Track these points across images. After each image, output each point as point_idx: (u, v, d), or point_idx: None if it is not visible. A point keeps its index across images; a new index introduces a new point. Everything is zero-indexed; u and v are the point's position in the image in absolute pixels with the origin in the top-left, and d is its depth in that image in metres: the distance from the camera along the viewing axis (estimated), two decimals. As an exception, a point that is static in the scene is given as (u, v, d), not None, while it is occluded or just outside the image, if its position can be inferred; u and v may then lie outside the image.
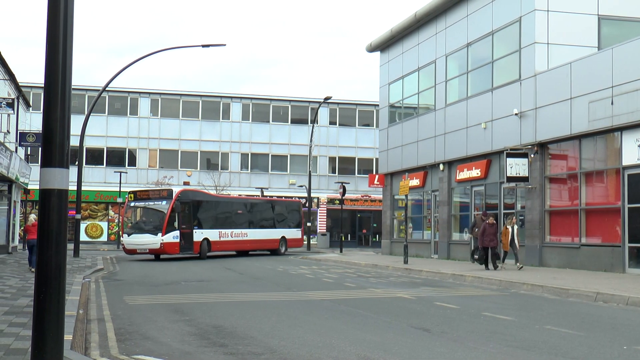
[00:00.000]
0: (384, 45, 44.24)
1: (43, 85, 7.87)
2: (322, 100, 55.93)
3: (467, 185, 35.10)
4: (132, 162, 63.28)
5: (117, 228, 59.80)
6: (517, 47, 30.47)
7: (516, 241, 26.53)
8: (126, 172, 59.36)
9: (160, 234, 36.83)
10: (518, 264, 26.35)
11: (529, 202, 29.54)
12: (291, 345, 10.86)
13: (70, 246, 34.14)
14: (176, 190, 38.74)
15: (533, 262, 28.55)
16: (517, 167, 29.13)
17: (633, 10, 29.72)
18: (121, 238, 37.03)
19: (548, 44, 29.20)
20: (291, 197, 65.60)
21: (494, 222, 26.85)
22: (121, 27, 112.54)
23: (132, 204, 39.08)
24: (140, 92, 63.67)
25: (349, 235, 66.04)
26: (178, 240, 37.45)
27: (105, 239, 61.60)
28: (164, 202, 37.46)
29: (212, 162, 64.81)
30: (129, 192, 39.61)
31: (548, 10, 29.24)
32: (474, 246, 30.24)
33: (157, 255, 38.38)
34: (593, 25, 29.42)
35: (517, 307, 16.00)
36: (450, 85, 36.70)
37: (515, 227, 26.81)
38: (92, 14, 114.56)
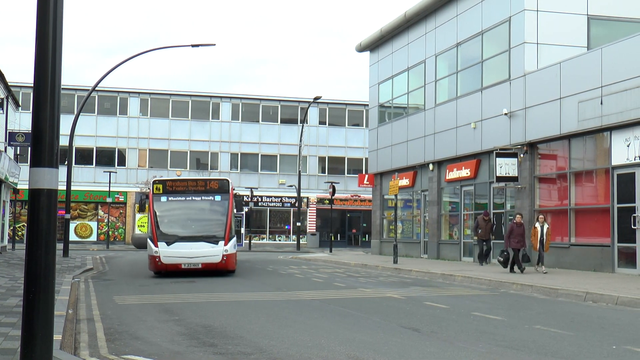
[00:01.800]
0: (374, 45, 44.26)
1: (32, 85, 7.85)
2: (312, 100, 55.94)
3: (456, 185, 35.15)
4: (122, 162, 63.12)
5: (106, 228, 59.63)
6: (507, 47, 30.51)
7: (545, 242, 24.72)
8: (115, 172, 59.22)
9: (222, 243, 25.58)
10: (543, 267, 24.70)
11: (519, 202, 29.59)
12: (281, 345, 10.86)
13: (60, 246, 34.07)
14: (231, 180, 27.90)
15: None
16: (506, 167, 29.17)
17: (622, 11, 29.78)
18: (154, 248, 25.35)
19: (537, 43, 29.26)
20: (279, 197, 65.62)
21: (522, 222, 25.26)
22: (110, 26, 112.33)
23: (165, 199, 26.48)
24: (129, 92, 63.55)
25: (339, 235, 66.05)
26: (235, 250, 26.94)
27: (95, 239, 61.44)
28: (219, 198, 26.68)
29: (201, 161, 64.73)
30: (154, 182, 26.99)
31: (537, 10, 29.29)
32: (480, 248, 29.73)
33: (206, 271, 25.69)
34: (582, 25, 29.48)
35: (507, 307, 16.04)
36: (440, 85, 36.75)
37: (546, 225, 24.94)
38: (81, 13, 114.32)
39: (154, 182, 26.81)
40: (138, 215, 62.24)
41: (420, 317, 14.23)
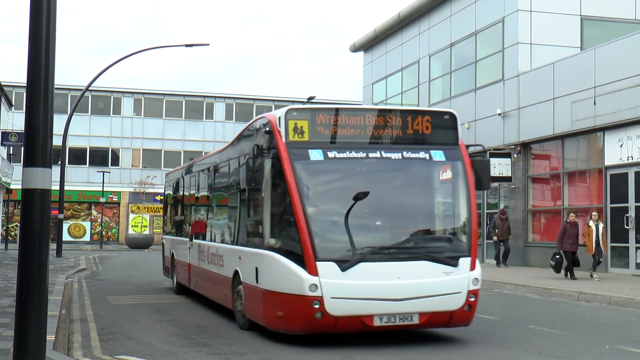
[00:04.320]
0: (368, 45, 44.25)
1: (25, 84, 7.83)
2: (306, 100, 55.88)
3: (450, 185, 35.06)
4: (115, 162, 63.01)
5: (100, 228, 59.48)
6: (501, 47, 30.56)
7: (601, 244, 21.86)
8: (109, 172, 59.03)
9: (466, 263, 11.15)
10: (594, 272, 21.80)
11: (512, 202, 29.62)
12: (274, 345, 10.85)
13: (53, 246, 34.00)
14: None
15: (517, 262, 28.61)
16: (500, 167, 29.18)
17: (615, 11, 29.86)
18: (303, 277, 10.43)
19: (531, 44, 29.31)
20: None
21: (576, 221, 22.39)
22: (104, 26, 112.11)
23: (319, 156, 11.10)
24: (123, 92, 63.43)
25: (333, 235, 65.88)
26: None
27: (88, 239, 61.30)
28: (441, 155, 11.78)
29: (195, 161, 64.59)
30: (289, 113, 11.16)
31: (531, 11, 29.34)
32: (497, 249, 28.53)
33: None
34: (576, 25, 29.55)
35: (500, 307, 16.04)
36: (434, 85, 36.77)
37: (601, 224, 22.11)
38: (74, 13, 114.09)
39: (288, 115, 11.20)
40: (132, 215, 62.17)
41: (414, 317, 14.21)
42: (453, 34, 34.69)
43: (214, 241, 15.30)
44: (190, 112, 64.65)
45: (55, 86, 8.10)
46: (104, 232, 59.61)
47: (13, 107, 48.91)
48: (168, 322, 13.48)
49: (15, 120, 44.73)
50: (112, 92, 63.08)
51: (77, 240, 60.56)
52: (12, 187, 44.53)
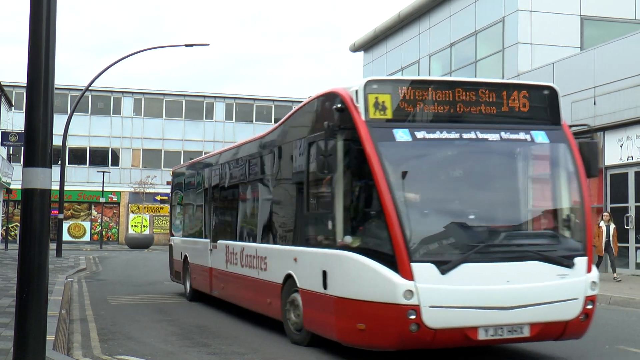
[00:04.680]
0: (368, 45, 44.24)
1: (25, 84, 7.83)
2: (306, 100, 55.85)
3: (450, 185, 35.07)
4: (115, 162, 63.02)
5: (100, 228, 59.43)
6: (501, 47, 30.55)
7: (612, 244, 21.57)
8: (109, 172, 59.03)
9: (583, 264, 9.56)
10: (615, 274, 21.39)
11: (512, 201, 29.58)
12: (275, 345, 10.84)
13: (53, 246, 34.00)
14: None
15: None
16: (500, 167, 29.15)
17: (615, 11, 29.86)
18: (395, 281, 8.70)
19: (531, 44, 29.31)
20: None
21: None
22: (104, 26, 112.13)
23: (406, 136, 9.39)
24: (123, 92, 63.45)
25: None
26: None
27: (88, 239, 61.30)
28: (543, 137, 10.11)
29: (195, 161, 64.52)
30: (369, 86, 9.47)
31: (531, 11, 29.35)
32: None
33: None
34: (576, 25, 29.55)
35: (500, 307, 16.01)
36: (434, 85, 36.72)
37: (612, 225, 21.70)
38: (75, 13, 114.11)
39: (367, 87, 9.46)
40: (132, 215, 62.17)
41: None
42: (453, 34, 34.68)
43: (251, 241, 13.35)
44: (190, 112, 64.67)
45: (55, 86, 8.10)
46: (103, 232, 59.62)
47: (13, 107, 48.92)
48: (168, 322, 13.48)
49: (15, 120, 44.74)
50: (112, 92, 63.09)
51: (77, 240, 60.56)
52: (12, 187, 44.54)
